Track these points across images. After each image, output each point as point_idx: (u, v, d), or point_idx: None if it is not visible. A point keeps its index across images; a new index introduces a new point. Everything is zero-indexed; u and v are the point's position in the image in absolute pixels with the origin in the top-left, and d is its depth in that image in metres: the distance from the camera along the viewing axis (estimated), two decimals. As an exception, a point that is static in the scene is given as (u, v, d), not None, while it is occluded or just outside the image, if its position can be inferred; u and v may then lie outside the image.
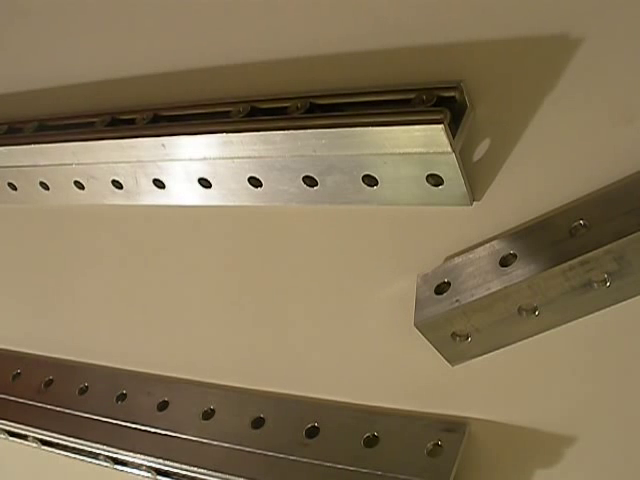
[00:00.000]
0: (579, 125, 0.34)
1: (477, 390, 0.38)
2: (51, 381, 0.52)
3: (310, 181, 0.38)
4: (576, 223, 0.33)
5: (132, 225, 0.49)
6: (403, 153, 0.34)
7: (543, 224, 0.35)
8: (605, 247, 0.31)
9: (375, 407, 0.41)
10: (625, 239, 0.31)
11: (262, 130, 0.37)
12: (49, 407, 0.50)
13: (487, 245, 0.36)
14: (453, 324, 0.35)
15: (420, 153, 0.34)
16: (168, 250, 0.48)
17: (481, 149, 0.36)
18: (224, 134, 0.38)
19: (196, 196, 0.42)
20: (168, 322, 0.49)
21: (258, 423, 0.43)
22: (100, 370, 0.51)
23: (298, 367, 0.43)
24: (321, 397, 0.43)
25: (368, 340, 0.40)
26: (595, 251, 0.31)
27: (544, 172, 0.35)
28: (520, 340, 0.35)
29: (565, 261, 0.32)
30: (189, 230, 0.46)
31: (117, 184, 0.45)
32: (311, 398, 0.43)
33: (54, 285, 0.55)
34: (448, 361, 0.37)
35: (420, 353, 0.38)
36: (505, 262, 0.35)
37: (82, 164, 0.45)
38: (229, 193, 0.41)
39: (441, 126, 0.32)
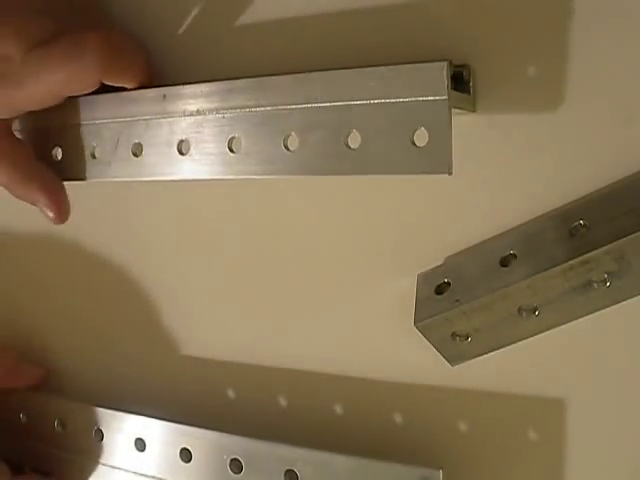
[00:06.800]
0: (579, 125, 0.34)
1: (477, 390, 0.38)
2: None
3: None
4: (576, 223, 0.33)
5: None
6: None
7: (543, 224, 0.35)
8: (605, 247, 0.31)
9: (375, 407, 0.41)
10: (625, 239, 0.31)
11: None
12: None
13: (487, 245, 0.36)
14: (453, 324, 0.35)
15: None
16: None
17: (480, 146, 0.36)
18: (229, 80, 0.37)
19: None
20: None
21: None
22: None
23: (297, 368, 0.43)
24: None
25: (367, 340, 0.40)
26: (595, 251, 0.32)
27: (544, 172, 0.35)
28: (520, 340, 0.35)
29: (565, 261, 0.32)
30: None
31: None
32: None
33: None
34: (448, 361, 0.37)
35: (420, 353, 0.38)
36: (505, 262, 0.35)
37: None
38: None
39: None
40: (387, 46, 0.37)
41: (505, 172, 0.36)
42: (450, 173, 0.32)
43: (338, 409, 0.42)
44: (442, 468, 0.35)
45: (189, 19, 0.44)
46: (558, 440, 0.36)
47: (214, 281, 0.45)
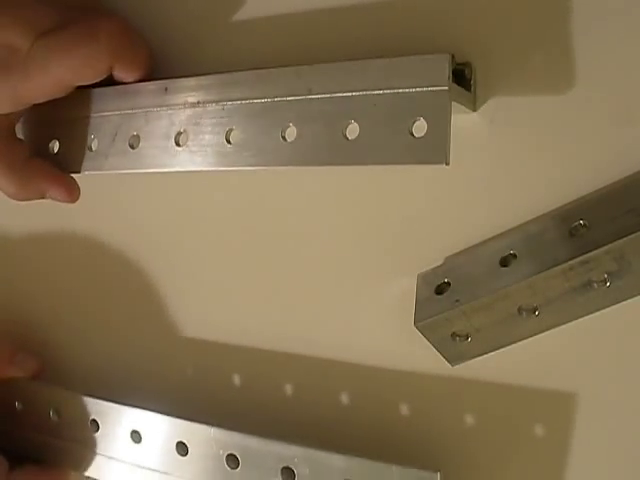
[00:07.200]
0: (579, 125, 0.34)
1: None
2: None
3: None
4: (576, 223, 0.33)
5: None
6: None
7: (543, 224, 0.35)
8: (605, 247, 0.31)
9: (375, 407, 0.41)
10: (625, 239, 0.31)
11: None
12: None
13: (487, 245, 0.36)
14: (453, 324, 0.35)
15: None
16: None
17: (480, 147, 0.36)
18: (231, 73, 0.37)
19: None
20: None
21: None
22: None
23: (301, 363, 0.43)
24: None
25: (367, 340, 0.40)
26: (595, 251, 0.31)
27: (544, 172, 0.35)
28: (520, 340, 0.35)
29: (565, 261, 0.32)
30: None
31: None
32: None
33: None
34: (448, 361, 0.37)
35: (420, 353, 0.38)
36: (505, 262, 0.35)
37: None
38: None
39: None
40: (388, 44, 0.37)
41: (505, 172, 0.36)
42: (447, 163, 0.32)
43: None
44: (440, 470, 0.35)
45: (189, 13, 0.44)
46: (565, 436, 0.36)
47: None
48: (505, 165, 0.36)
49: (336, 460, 0.37)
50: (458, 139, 0.36)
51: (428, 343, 0.36)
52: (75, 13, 0.40)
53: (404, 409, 0.40)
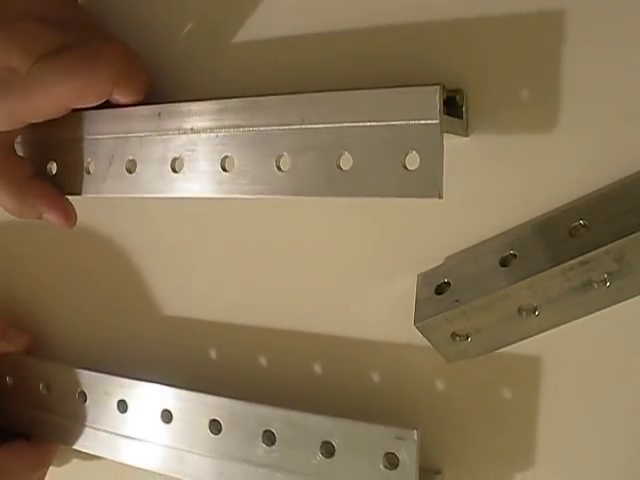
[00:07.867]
0: (578, 125, 0.34)
1: (473, 389, 0.38)
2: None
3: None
4: (576, 223, 0.33)
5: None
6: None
7: (543, 224, 0.35)
8: (605, 247, 0.31)
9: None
10: (625, 239, 0.31)
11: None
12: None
13: (487, 245, 0.36)
14: (453, 324, 0.35)
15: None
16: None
17: (479, 148, 0.36)
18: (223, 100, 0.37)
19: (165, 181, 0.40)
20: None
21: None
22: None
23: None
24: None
25: (367, 340, 0.40)
26: (595, 251, 0.32)
27: (544, 172, 0.35)
28: (520, 340, 0.35)
29: (565, 261, 0.32)
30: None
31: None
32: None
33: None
34: (448, 361, 0.37)
35: (420, 353, 0.38)
36: (505, 262, 0.35)
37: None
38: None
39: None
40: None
41: (505, 172, 0.36)
42: (440, 197, 0.32)
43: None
44: (417, 428, 0.35)
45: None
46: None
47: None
48: (505, 165, 0.36)
49: (316, 421, 0.38)
50: (457, 138, 0.36)
51: (428, 343, 0.36)
52: (75, 35, 0.39)
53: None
